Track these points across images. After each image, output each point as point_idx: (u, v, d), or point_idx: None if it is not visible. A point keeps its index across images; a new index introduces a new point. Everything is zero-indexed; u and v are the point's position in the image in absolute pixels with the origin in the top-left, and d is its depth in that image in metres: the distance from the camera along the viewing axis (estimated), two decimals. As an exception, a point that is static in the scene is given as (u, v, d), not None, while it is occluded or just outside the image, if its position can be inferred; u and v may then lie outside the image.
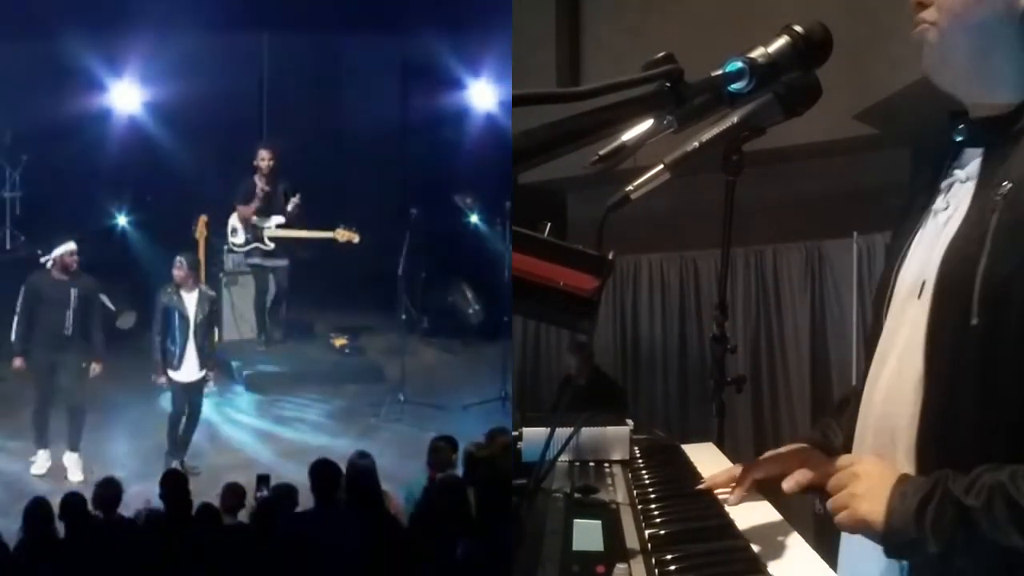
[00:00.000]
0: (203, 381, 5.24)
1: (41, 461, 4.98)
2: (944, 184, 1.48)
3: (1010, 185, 1.29)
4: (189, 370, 5.17)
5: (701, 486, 1.74)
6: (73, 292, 5.06)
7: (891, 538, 1.27)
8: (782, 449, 1.79)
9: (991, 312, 1.26)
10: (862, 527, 1.31)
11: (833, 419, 1.77)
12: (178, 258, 5.26)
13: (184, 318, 5.15)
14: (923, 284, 1.40)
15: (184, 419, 5.17)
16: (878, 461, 1.40)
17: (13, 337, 5.04)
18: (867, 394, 1.51)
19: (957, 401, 1.30)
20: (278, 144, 6.47)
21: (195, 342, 5.16)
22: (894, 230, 1.63)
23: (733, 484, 1.72)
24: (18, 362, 5.02)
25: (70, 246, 5.10)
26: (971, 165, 1.43)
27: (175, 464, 4.91)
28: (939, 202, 1.47)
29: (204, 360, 5.20)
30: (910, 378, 1.38)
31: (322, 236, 6.24)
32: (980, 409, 1.27)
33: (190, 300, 5.19)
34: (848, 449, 1.67)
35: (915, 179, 1.61)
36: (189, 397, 5.18)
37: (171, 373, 5.14)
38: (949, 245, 1.36)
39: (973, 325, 1.27)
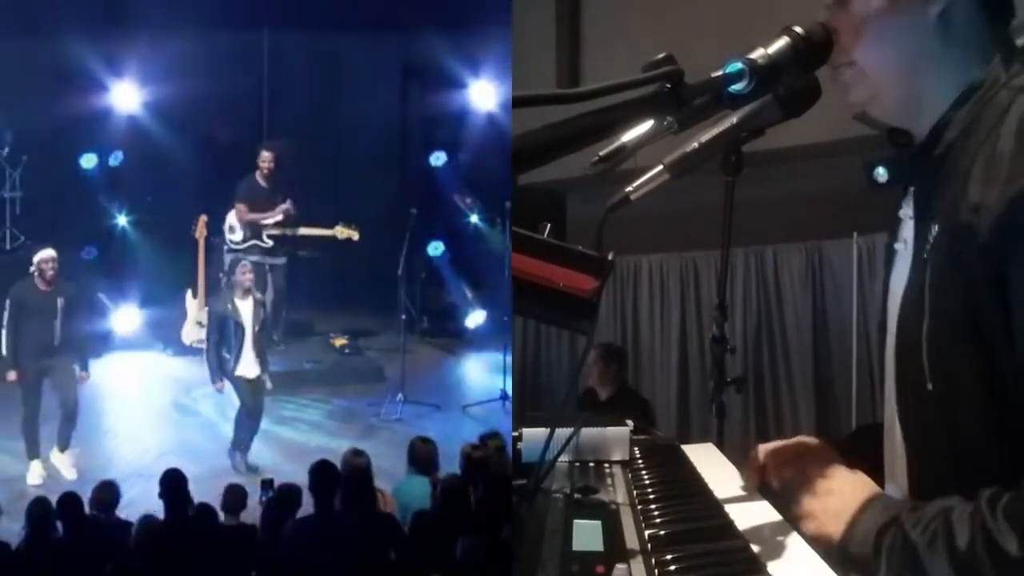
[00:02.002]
0: (262, 380, 5.25)
1: (35, 471, 4.90)
2: (902, 214, 1.40)
3: (938, 228, 1.22)
4: (247, 367, 5.20)
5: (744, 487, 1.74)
6: (59, 303, 4.99)
7: (845, 553, 1.25)
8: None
9: (942, 376, 1.20)
10: (824, 543, 1.28)
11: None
12: (244, 261, 5.30)
13: (240, 326, 5.16)
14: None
15: (246, 418, 5.20)
16: (854, 479, 1.37)
17: (3, 351, 4.97)
18: (888, 446, 1.45)
19: (938, 474, 1.26)
20: (279, 145, 6.47)
21: (253, 347, 5.19)
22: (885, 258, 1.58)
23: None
24: (12, 375, 4.95)
25: (48, 253, 5.03)
26: (911, 198, 1.36)
27: (239, 460, 5.02)
28: (898, 240, 1.40)
29: (262, 362, 5.23)
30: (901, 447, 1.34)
31: (322, 233, 6.25)
32: (959, 478, 1.21)
33: (246, 308, 5.19)
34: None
35: (891, 204, 1.54)
36: (252, 395, 5.21)
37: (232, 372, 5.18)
38: (901, 302, 1.30)
39: (929, 391, 1.21)
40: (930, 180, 1.27)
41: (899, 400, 1.30)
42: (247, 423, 5.18)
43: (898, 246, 1.39)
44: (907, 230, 1.36)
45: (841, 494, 1.34)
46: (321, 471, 3.56)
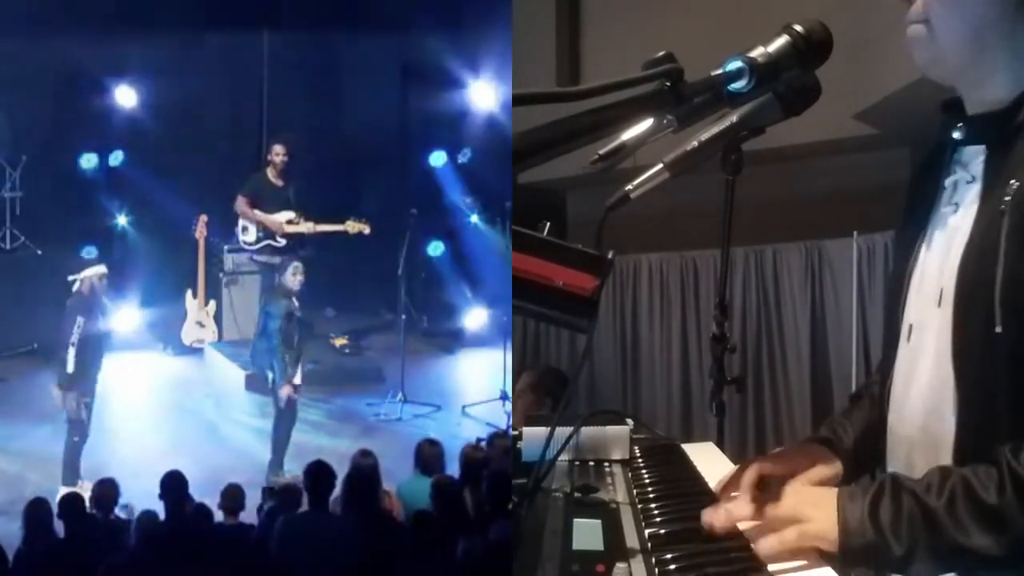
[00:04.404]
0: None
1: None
2: (948, 183, 1.46)
3: (1017, 184, 1.27)
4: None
5: (717, 490, 1.69)
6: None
7: (848, 541, 1.23)
8: (789, 447, 1.79)
9: (1015, 318, 1.24)
10: (815, 540, 1.26)
11: (845, 418, 1.74)
12: (296, 263, 5.31)
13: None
14: (941, 291, 1.38)
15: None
16: (811, 486, 1.41)
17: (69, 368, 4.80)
18: (896, 407, 1.49)
19: (992, 412, 1.28)
20: (290, 139, 6.45)
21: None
22: (898, 229, 1.61)
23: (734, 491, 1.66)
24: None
25: (100, 269, 5.06)
26: (974, 164, 1.40)
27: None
28: (945, 203, 1.45)
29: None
30: (947, 392, 1.35)
31: (333, 229, 6.23)
32: (1017, 418, 1.25)
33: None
34: (860, 449, 1.66)
35: (915, 175, 1.59)
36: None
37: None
38: (964, 251, 1.34)
39: (998, 333, 1.25)
40: (1007, 143, 1.34)
41: (958, 347, 1.33)
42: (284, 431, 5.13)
43: (946, 210, 1.44)
44: (961, 193, 1.42)
45: (809, 490, 1.37)
46: (316, 471, 3.59)
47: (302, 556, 3.28)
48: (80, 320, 4.84)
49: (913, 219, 1.52)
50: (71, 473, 4.78)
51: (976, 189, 1.38)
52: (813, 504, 1.30)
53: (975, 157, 1.41)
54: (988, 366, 1.28)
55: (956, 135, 1.42)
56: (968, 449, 1.31)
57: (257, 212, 6.25)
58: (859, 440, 1.67)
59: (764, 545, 1.29)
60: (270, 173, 6.30)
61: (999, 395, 1.27)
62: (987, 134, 1.39)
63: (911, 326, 1.47)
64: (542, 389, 4.56)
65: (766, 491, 1.46)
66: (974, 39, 1.34)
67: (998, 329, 1.25)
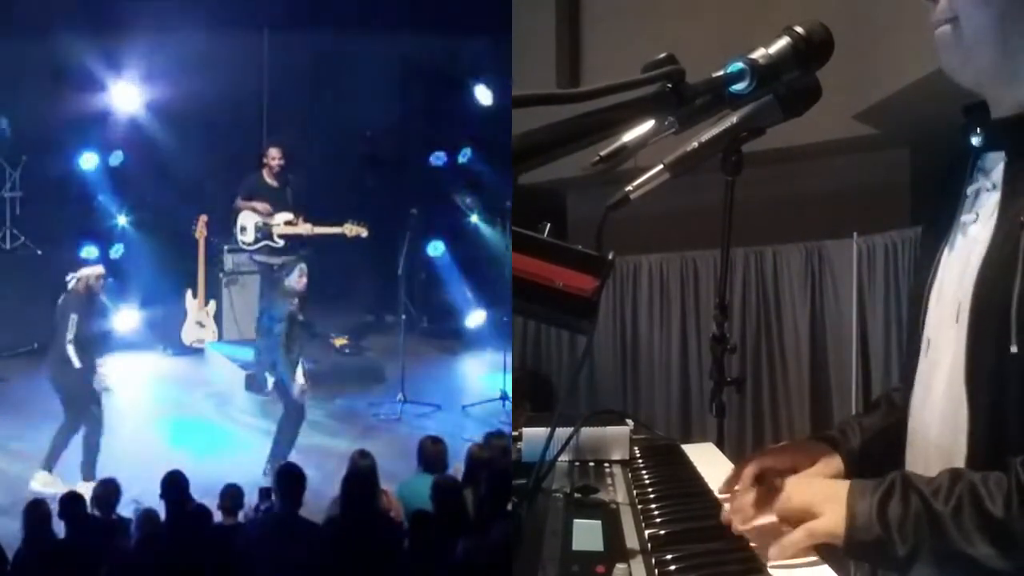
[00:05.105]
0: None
1: (41, 479, 4.75)
2: (971, 190, 1.41)
3: None
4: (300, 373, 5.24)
5: (722, 496, 1.69)
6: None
7: (855, 535, 1.23)
8: (791, 443, 1.79)
9: None
10: (823, 538, 1.26)
11: (856, 421, 1.73)
12: (302, 265, 5.30)
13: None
14: (959, 306, 1.33)
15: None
16: (820, 478, 1.41)
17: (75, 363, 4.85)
18: (914, 420, 1.47)
19: (1004, 434, 1.25)
20: (286, 142, 6.46)
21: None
22: (921, 236, 1.57)
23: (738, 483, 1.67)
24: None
25: (97, 269, 5.08)
26: (996, 170, 1.36)
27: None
28: (967, 211, 1.40)
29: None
30: (960, 410, 1.32)
31: (331, 231, 6.24)
32: None
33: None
34: (865, 452, 1.64)
35: (939, 180, 1.54)
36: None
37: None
38: (981, 266, 1.30)
39: (1014, 353, 1.20)
40: None
41: (971, 367, 1.29)
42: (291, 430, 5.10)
43: (966, 218, 1.39)
44: (982, 202, 1.37)
45: (819, 483, 1.37)
46: (285, 474, 3.66)
47: (265, 558, 3.30)
48: (75, 317, 4.86)
49: (936, 227, 1.47)
50: (90, 468, 4.80)
51: (996, 198, 1.33)
52: (824, 499, 1.29)
53: (997, 164, 1.36)
54: (1002, 388, 1.24)
55: (975, 141, 1.38)
56: (980, 467, 1.27)
57: (255, 203, 6.26)
58: (866, 444, 1.65)
59: (774, 552, 1.29)
60: (265, 175, 6.32)
61: (1012, 417, 1.24)
62: (1007, 140, 1.34)
63: (928, 340, 1.43)
64: (518, 393, 4.57)
65: (767, 486, 1.46)
66: (1002, 37, 1.29)
67: (1013, 349, 1.20)
